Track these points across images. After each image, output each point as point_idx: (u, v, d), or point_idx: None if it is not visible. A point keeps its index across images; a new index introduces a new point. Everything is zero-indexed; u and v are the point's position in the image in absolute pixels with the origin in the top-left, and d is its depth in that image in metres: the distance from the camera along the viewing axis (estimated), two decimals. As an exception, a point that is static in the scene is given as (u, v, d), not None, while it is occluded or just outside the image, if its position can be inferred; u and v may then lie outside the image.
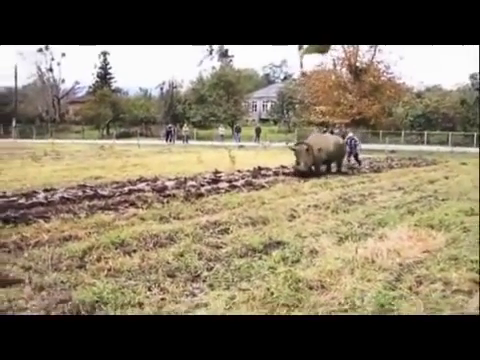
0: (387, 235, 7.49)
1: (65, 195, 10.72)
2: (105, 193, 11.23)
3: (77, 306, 4.66)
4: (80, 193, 11.06)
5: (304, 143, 16.60)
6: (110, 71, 67.12)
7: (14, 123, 55.77)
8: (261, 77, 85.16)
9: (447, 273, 5.71)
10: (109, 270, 5.73)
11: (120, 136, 50.18)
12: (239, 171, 16.40)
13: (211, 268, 5.93)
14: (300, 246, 6.86)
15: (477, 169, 13.41)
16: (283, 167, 17.47)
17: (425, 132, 40.36)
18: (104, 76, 66.50)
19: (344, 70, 34.10)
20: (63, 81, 66.87)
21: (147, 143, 38.48)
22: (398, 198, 11.51)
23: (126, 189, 11.92)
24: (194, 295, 5.12)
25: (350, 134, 21.43)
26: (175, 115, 55.21)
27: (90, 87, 66.89)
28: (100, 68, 66.53)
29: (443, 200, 11.22)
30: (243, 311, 4.58)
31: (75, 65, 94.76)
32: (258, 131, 44.51)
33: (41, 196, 10.67)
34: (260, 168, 17.23)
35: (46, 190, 11.48)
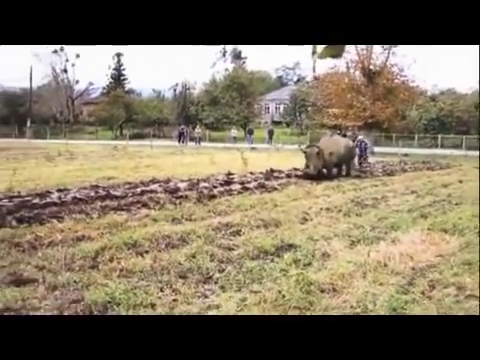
0: (400, 239, 7.46)
1: (78, 195, 10.79)
2: (118, 194, 11.29)
3: (89, 306, 4.69)
4: (93, 193, 11.14)
5: (315, 146, 16.55)
6: (124, 72, 67.60)
7: (29, 123, 56.30)
8: (274, 79, 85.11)
9: (460, 278, 5.67)
10: (121, 271, 5.76)
11: (133, 137, 50.42)
12: (251, 173, 16.40)
13: (223, 270, 5.94)
14: (312, 249, 6.85)
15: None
16: (295, 169, 17.44)
17: (439, 135, 40.08)
18: (118, 77, 66.90)
19: (357, 73, 33.85)
20: (77, 82, 67.59)
21: (160, 144, 38.63)
22: (411, 202, 11.45)
23: (139, 190, 11.98)
24: (206, 296, 5.13)
25: (360, 137, 21.25)
26: (188, 117, 55.36)
27: (104, 88, 67.37)
28: (114, 69, 66.96)
29: (457, 204, 11.13)
30: (254, 313, 4.58)
31: (89, 66, 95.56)
32: (271, 133, 44.47)
33: (55, 196, 10.76)
34: (272, 170, 17.22)
35: (60, 190, 11.57)
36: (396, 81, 33.79)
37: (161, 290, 5.21)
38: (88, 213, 8.82)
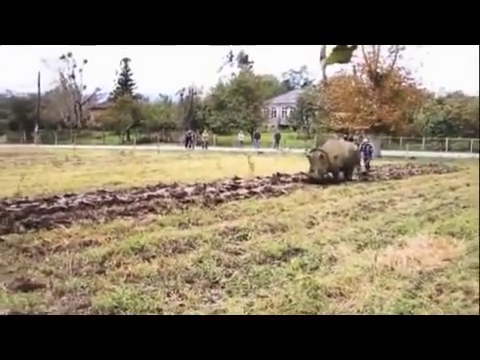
0: (407, 243, 7.43)
1: (85, 200, 10.83)
2: (124, 199, 11.32)
3: (96, 311, 4.71)
4: (100, 199, 11.17)
5: (319, 150, 16.52)
6: (131, 78, 67.87)
7: (36, 129, 56.59)
8: (281, 83, 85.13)
9: (468, 282, 5.64)
10: (128, 276, 5.77)
11: (140, 142, 50.60)
12: (258, 177, 16.40)
13: (230, 274, 5.94)
14: (319, 253, 6.84)
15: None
16: (302, 174, 17.42)
17: (446, 139, 39.94)
18: (125, 82, 67.19)
19: (364, 76, 33.81)
20: (85, 87, 67.97)
21: (167, 149, 38.70)
22: (418, 205, 11.41)
23: (145, 195, 12.01)
24: (212, 301, 5.13)
25: (365, 140, 21.15)
26: (195, 121, 55.48)
27: (111, 93, 67.70)
28: (121, 75, 67.27)
29: (464, 207, 11.08)
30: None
31: (96, 72, 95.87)
32: (277, 137, 44.45)
33: (62, 201, 10.81)
34: (279, 174, 17.22)
35: (67, 195, 11.62)
36: (403, 84, 33.70)
37: (168, 295, 5.21)
38: (95, 218, 8.85)
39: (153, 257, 6.53)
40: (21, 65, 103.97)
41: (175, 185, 14.06)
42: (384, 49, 32.52)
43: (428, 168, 23.09)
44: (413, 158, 30.67)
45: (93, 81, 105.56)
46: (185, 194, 12.26)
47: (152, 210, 9.88)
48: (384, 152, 33.46)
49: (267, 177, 16.58)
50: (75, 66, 65.23)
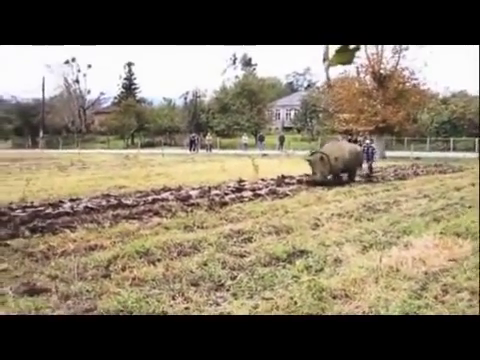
0: (412, 243, 7.41)
1: (90, 205, 10.86)
2: (129, 202, 11.34)
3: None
4: (104, 203, 11.20)
5: (319, 152, 16.46)
6: (135, 82, 68.04)
7: (41, 134, 56.81)
8: (284, 85, 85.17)
9: (474, 282, 5.61)
10: (134, 279, 5.78)
11: (144, 146, 50.69)
12: (263, 180, 16.41)
13: (235, 277, 5.93)
14: (324, 255, 6.83)
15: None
16: (307, 175, 17.41)
17: (451, 138, 39.86)
18: (129, 87, 67.36)
19: (368, 77, 33.77)
20: (89, 92, 68.17)
21: (171, 152, 38.77)
22: (423, 206, 11.38)
23: (150, 198, 12.03)
24: (218, 304, 5.13)
25: (367, 141, 21.04)
26: (199, 124, 55.56)
27: (115, 98, 67.88)
28: (125, 79, 67.46)
29: (470, 207, 11.04)
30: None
31: (100, 76, 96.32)
32: (282, 139, 44.46)
33: (67, 206, 10.85)
34: (284, 176, 17.23)
35: (72, 200, 11.66)
36: (407, 84, 33.65)
37: (173, 298, 5.22)
38: (100, 222, 8.87)
39: (158, 260, 6.53)
40: (25, 71, 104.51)
41: (180, 188, 14.08)
42: (387, 50, 32.54)
43: (433, 168, 23.03)
44: (418, 158, 30.61)
45: (97, 86, 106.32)
46: (190, 197, 12.27)
47: (157, 213, 9.90)
48: (389, 153, 33.42)
49: (271, 179, 16.59)
50: (79, 71, 65.58)
